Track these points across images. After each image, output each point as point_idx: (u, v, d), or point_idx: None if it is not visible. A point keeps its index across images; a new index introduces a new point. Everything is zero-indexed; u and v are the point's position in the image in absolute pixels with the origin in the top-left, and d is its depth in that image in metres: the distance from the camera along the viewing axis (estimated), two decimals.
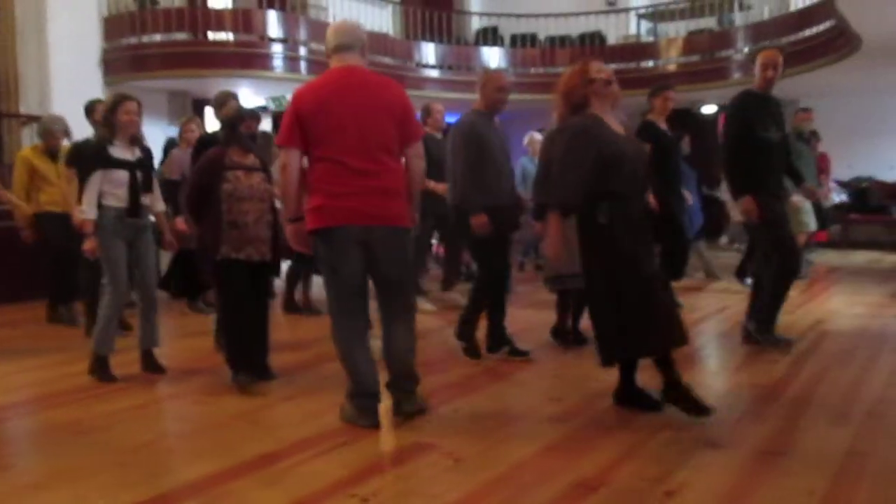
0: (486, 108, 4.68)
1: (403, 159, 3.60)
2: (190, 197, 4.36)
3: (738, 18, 12.70)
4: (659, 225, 3.83)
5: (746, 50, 11.88)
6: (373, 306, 3.65)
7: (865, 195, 12.45)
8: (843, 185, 12.04)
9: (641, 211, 3.65)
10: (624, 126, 3.73)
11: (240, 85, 10.35)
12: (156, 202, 4.72)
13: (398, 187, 3.49)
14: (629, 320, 3.46)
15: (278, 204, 4.44)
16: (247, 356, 4.24)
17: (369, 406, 3.53)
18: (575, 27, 13.32)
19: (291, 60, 10.64)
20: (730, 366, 4.71)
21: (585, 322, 4.90)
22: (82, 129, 6.24)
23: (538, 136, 8.65)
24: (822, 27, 10.33)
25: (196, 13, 10.08)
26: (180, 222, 4.72)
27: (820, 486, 2.79)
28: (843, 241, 12.07)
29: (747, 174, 4.73)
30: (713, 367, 4.74)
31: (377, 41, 10.94)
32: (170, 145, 8.04)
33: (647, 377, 3.92)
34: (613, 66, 3.78)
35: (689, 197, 7.83)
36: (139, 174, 4.54)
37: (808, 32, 10.69)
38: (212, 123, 8.64)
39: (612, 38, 13.41)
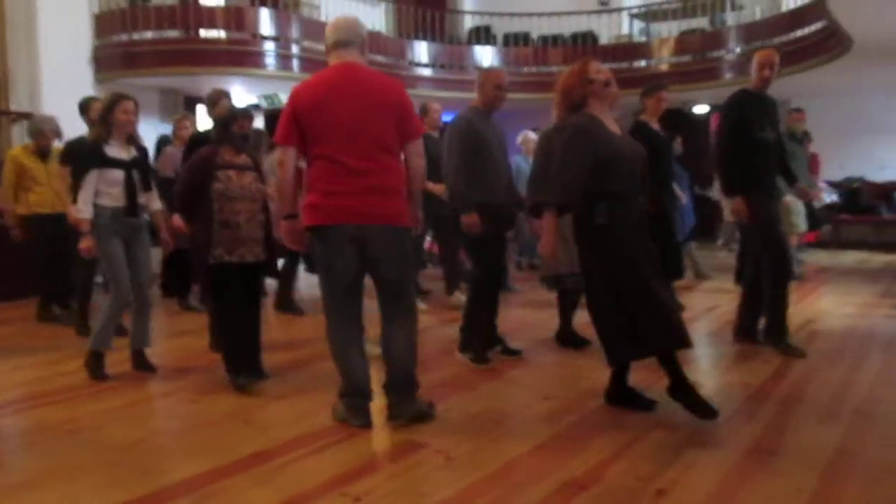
0: (484, 105, 4.64)
1: (404, 157, 3.57)
2: (181, 196, 4.34)
3: (730, 18, 12.74)
4: (652, 224, 3.82)
5: (738, 50, 11.93)
6: (373, 306, 3.62)
7: (856, 195, 12.51)
8: (834, 185, 12.10)
9: (640, 211, 3.64)
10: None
11: (232, 83, 10.32)
12: (152, 201, 4.71)
13: (396, 186, 3.45)
14: (630, 321, 3.47)
15: (271, 204, 4.44)
16: (243, 358, 4.23)
17: (361, 405, 3.54)
18: (567, 26, 13.33)
19: (284, 58, 10.61)
20: (720, 365, 4.73)
21: (582, 322, 4.92)
22: (73, 127, 6.21)
23: (532, 135, 8.65)
24: (813, 28, 10.36)
25: (188, 10, 10.04)
26: (177, 219, 4.70)
27: (809, 484, 2.81)
28: (833, 242, 12.13)
29: (742, 174, 4.73)
30: (704, 366, 4.76)
31: (370, 39, 10.90)
32: (163, 142, 8.02)
33: (641, 377, 3.95)
34: (605, 65, 3.78)
35: (683, 196, 7.86)
36: (135, 173, 4.53)
37: (799, 33, 10.73)
38: (204, 121, 8.63)
39: (605, 38, 13.43)
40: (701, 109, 13.38)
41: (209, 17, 10.20)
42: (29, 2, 9.16)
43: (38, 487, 2.90)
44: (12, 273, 7.17)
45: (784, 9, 11.41)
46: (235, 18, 10.27)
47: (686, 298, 7.07)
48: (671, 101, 5.98)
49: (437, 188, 5.57)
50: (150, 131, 9.22)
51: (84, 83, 9.58)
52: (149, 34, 10.15)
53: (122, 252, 4.47)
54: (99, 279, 6.61)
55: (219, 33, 10.40)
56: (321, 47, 11.58)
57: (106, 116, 4.46)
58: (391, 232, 3.43)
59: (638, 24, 14.16)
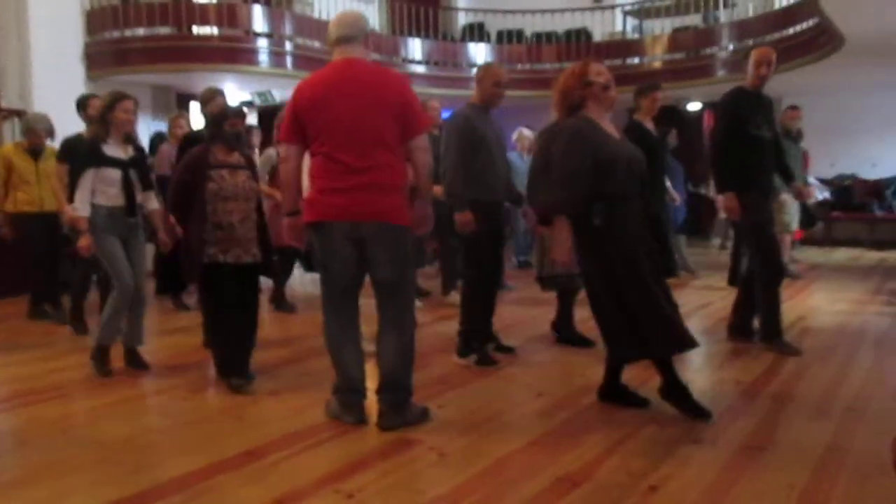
0: (482, 102, 4.60)
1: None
2: (174, 196, 4.31)
3: (723, 16, 12.76)
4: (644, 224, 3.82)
5: (731, 47, 11.95)
6: (372, 303, 3.57)
7: (848, 193, 12.55)
8: (826, 183, 12.14)
9: (639, 212, 3.63)
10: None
11: (225, 80, 10.29)
12: (150, 201, 4.70)
13: (394, 183, 3.39)
14: (631, 323, 3.46)
15: (264, 202, 4.43)
16: (235, 361, 4.21)
17: (354, 402, 3.53)
18: (561, 24, 13.33)
19: (277, 55, 10.59)
20: (713, 362, 4.75)
21: (583, 322, 4.93)
22: (66, 124, 6.19)
23: (527, 133, 8.66)
24: (805, 25, 10.39)
25: (180, 7, 9.99)
26: (170, 218, 4.69)
27: (800, 480, 2.83)
28: (825, 239, 12.17)
29: (737, 172, 4.71)
30: (696, 363, 4.77)
31: None
32: (157, 140, 7.99)
33: (634, 374, 3.96)
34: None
35: (677, 197, 7.87)
36: (133, 173, 4.52)
37: (791, 30, 10.76)
38: (198, 119, 8.60)
39: (598, 35, 13.43)
40: (694, 107, 13.41)
41: (202, 14, 10.16)
42: None
43: (29, 485, 2.89)
44: (3, 270, 7.13)
45: (777, 6, 11.44)
46: (228, 15, 10.23)
47: (679, 296, 7.06)
48: (664, 98, 5.98)
49: (436, 189, 5.46)
50: (142, 129, 9.18)
51: (76, 80, 9.54)
52: (141, 31, 10.11)
53: (121, 248, 4.47)
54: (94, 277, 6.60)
55: (211, 30, 10.36)
56: (315, 44, 11.64)
57: (105, 115, 4.45)
58: (388, 230, 3.39)
59: (631, 22, 14.17)
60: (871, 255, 10.99)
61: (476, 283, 4.65)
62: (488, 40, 13.76)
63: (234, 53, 10.26)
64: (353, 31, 3.49)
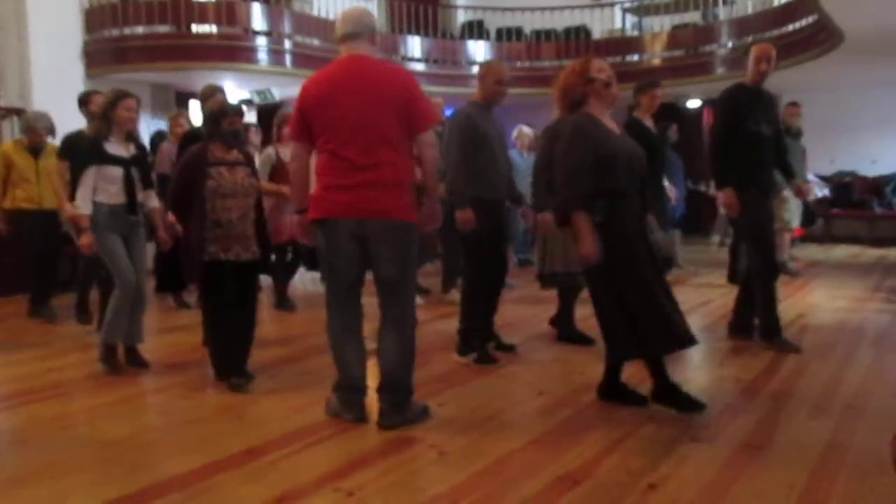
0: (484, 99, 4.58)
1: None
2: (173, 194, 4.32)
3: (723, 13, 12.75)
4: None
5: (731, 44, 11.94)
6: (374, 301, 3.57)
7: (847, 190, 12.55)
8: (826, 179, 12.14)
9: (640, 209, 3.62)
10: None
11: (224, 78, 10.28)
12: (150, 199, 4.70)
13: (398, 180, 3.37)
14: (631, 321, 3.45)
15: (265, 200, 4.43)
16: (234, 361, 4.21)
17: (354, 400, 3.53)
18: (560, 21, 13.33)
19: (276, 53, 10.58)
20: (713, 360, 4.75)
21: (584, 320, 4.93)
22: (65, 122, 6.19)
23: (527, 130, 8.64)
24: (804, 22, 10.39)
25: (179, 5, 9.98)
26: (172, 217, 4.69)
27: (800, 478, 2.83)
28: (825, 236, 12.17)
29: (735, 169, 4.71)
30: (696, 361, 4.77)
31: None
32: (157, 138, 7.99)
33: (634, 373, 3.96)
34: None
35: (675, 194, 7.86)
36: (134, 171, 4.52)
37: (791, 27, 10.75)
38: (197, 116, 8.59)
39: (598, 33, 13.43)
40: (693, 104, 13.40)
41: (201, 12, 10.15)
42: None
43: (29, 484, 2.89)
44: (2, 270, 7.13)
45: (776, 3, 11.43)
46: (227, 13, 10.22)
47: (678, 294, 7.06)
48: (664, 95, 5.98)
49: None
50: (141, 127, 9.15)
51: (75, 79, 9.53)
52: (140, 29, 10.10)
53: (122, 246, 4.48)
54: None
55: (210, 28, 10.35)
56: (314, 42, 11.63)
57: (108, 113, 4.45)
58: (392, 227, 3.37)
59: (631, 19, 14.17)
60: (871, 253, 10.99)
61: (476, 282, 4.64)
62: (487, 38, 13.75)
63: (234, 52, 10.26)
64: (358, 28, 3.48)
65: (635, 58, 12.92)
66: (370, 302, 3.58)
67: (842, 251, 11.24)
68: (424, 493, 2.74)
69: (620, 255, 3.45)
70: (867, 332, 5.40)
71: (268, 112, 11.46)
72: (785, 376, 4.25)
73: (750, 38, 10.87)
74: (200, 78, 9.22)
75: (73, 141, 5.36)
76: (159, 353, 4.87)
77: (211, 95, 5.48)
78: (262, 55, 10.44)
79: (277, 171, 6.21)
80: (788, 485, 2.77)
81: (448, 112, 6.81)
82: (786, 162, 5.03)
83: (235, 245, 4.17)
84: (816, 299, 6.89)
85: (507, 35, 13.61)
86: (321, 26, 11.24)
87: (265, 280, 6.35)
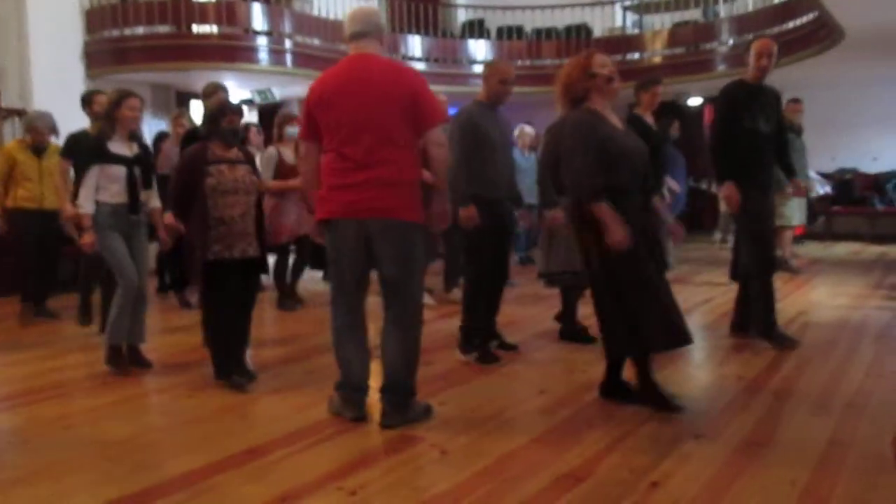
0: (488, 99, 4.58)
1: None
2: (174, 194, 4.32)
3: (723, 10, 12.73)
4: None
5: (731, 42, 11.93)
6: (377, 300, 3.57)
7: (848, 187, 12.54)
8: (827, 177, 12.13)
9: (642, 206, 3.61)
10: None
11: (224, 78, 10.23)
12: (151, 199, 4.71)
13: (401, 179, 3.35)
14: (631, 318, 3.45)
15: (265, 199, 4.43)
16: (235, 359, 4.22)
17: (355, 399, 3.53)
18: (561, 19, 13.32)
19: (276, 53, 10.57)
20: (714, 358, 4.75)
21: (587, 319, 4.91)
22: (66, 122, 6.20)
23: (528, 129, 8.64)
24: (805, 19, 10.38)
25: (179, 5, 9.97)
26: (169, 217, 4.70)
27: (802, 475, 2.83)
28: (826, 233, 12.16)
29: (734, 165, 4.72)
30: (697, 359, 4.78)
31: None
32: (159, 139, 7.99)
33: (633, 371, 3.96)
34: None
35: (676, 187, 7.85)
36: (137, 170, 4.53)
37: (791, 24, 10.74)
38: (199, 116, 8.59)
39: (598, 31, 13.41)
40: (694, 102, 13.39)
41: (201, 12, 10.15)
42: None
43: (30, 484, 2.89)
44: (4, 269, 7.13)
45: (776, 0, 11.42)
46: (227, 13, 10.21)
47: (680, 292, 7.07)
48: (664, 93, 5.98)
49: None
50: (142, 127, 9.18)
51: (75, 79, 9.53)
52: (140, 29, 10.10)
53: (124, 245, 4.48)
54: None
55: (211, 28, 10.35)
56: (314, 42, 11.62)
57: (111, 112, 4.47)
58: (394, 227, 3.36)
59: (631, 17, 14.16)
60: (872, 250, 10.98)
61: (477, 280, 4.64)
62: (488, 37, 13.74)
63: (234, 52, 10.26)
64: (366, 27, 3.47)
65: (636, 56, 12.92)
66: (376, 301, 3.58)
67: (843, 248, 11.23)
68: (426, 492, 2.75)
69: (621, 252, 3.43)
70: (868, 330, 5.40)
71: (269, 112, 11.46)
72: (786, 374, 4.25)
73: (750, 36, 10.83)
74: (201, 78, 9.21)
75: (76, 140, 5.36)
76: (161, 353, 4.87)
77: (213, 93, 5.49)
78: (263, 55, 10.44)
79: (279, 171, 6.21)
80: (790, 482, 2.77)
81: (451, 111, 6.81)
82: (787, 159, 5.01)
83: (239, 242, 4.19)
84: (817, 297, 6.89)
85: (507, 34, 13.60)
86: (321, 26, 11.23)
87: (267, 280, 6.35)
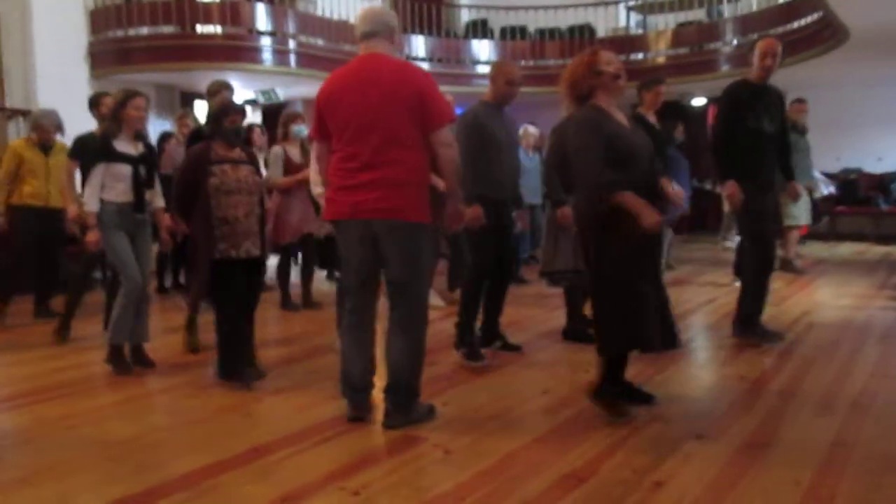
0: (494, 99, 4.56)
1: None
2: (177, 194, 4.34)
3: (727, 10, 12.71)
4: None
5: (735, 42, 11.91)
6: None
7: (853, 187, 12.51)
8: (831, 177, 12.10)
9: (647, 203, 3.59)
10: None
11: (228, 78, 10.17)
12: (155, 198, 4.72)
13: (406, 179, 3.33)
14: (626, 316, 3.43)
15: (267, 199, 4.44)
16: (245, 357, 4.25)
17: (354, 399, 3.54)
18: (564, 20, 13.32)
19: (280, 53, 10.58)
20: (717, 358, 4.74)
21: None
22: (70, 122, 6.21)
23: (532, 129, 8.62)
24: (809, 19, 10.36)
25: (183, 6, 9.99)
26: (167, 218, 4.72)
27: (805, 476, 2.82)
28: (830, 233, 12.14)
29: (736, 164, 4.71)
30: (701, 359, 4.77)
31: None
32: (163, 139, 8.01)
33: (639, 371, 3.96)
34: None
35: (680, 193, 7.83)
36: (142, 169, 4.54)
37: (795, 24, 10.72)
38: (205, 116, 8.60)
39: (602, 31, 13.40)
40: (698, 102, 13.37)
41: (205, 13, 10.16)
42: None
43: (34, 484, 2.90)
44: (9, 269, 7.14)
45: (780, 0, 11.40)
46: (231, 13, 10.23)
47: (683, 292, 7.08)
48: (668, 93, 5.98)
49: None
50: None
51: (79, 79, 9.56)
52: (144, 30, 10.12)
53: (127, 243, 4.49)
54: (98, 275, 6.61)
55: (215, 28, 10.36)
56: (318, 42, 11.62)
57: (117, 112, 4.48)
58: (399, 227, 3.35)
59: (635, 17, 14.15)
60: (877, 250, 10.95)
61: (477, 280, 4.62)
62: (492, 37, 13.74)
63: (238, 52, 10.27)
64: (376, 27, 3.46)
65: (640, 56, 12.90)
66: (385, 302, 3.58)
67: (847, 248, 11.21)
68: (429, 492, 2.75)
69: (620, 250, 3.41)
70: (873, 330, 5.39)
71: (272, 112, 11.47)
72: (790, 374, 4.24)
73: (755, 36, 10.81)
74: (205, 78, 9.21)
75: (84, 142, 5.38)
76: (164, 353, 4.87)
77: (218, 91, 5.49)
78: (267, 55, 10.45)
79: (286, 169, 6.20)
80: (794, 483, 2.76)
81: (457, 111, 6.79)
82: (787, 161, 4.99)
83: (244, 242, 4.21)
84: (822, 297, 6.87)
85: (511, 34, 13.60)
86: (325, 26, 11.25)
87: (271, 280, 6.36)
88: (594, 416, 3.54)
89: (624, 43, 13.06)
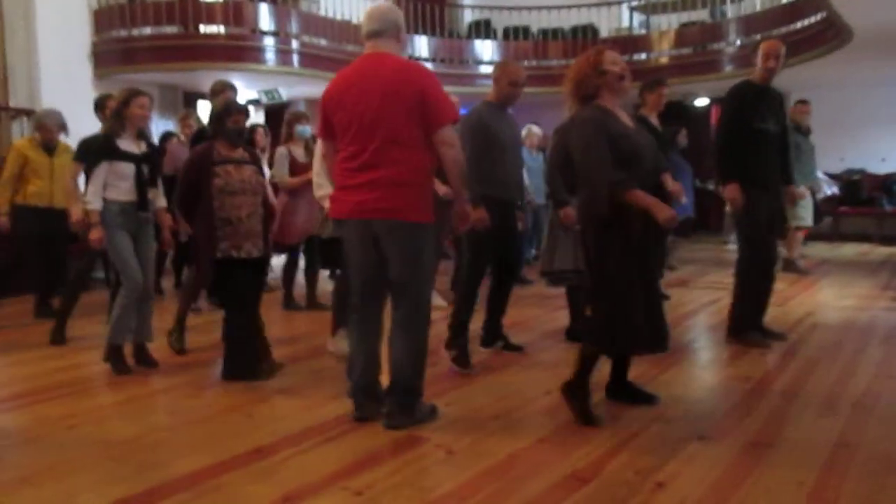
0: (498, 100, 4.55)
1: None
2: (180, 194, 4.35)
3: (730, 10, 12.69)
4: None
5: (738, 42, 11.90)
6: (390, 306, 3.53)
7: (856, 188, 12.49)
8: (835, 177, 12.09)
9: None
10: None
11: (231, 78, 10.15)
12: (157, 198, 4.72)
13: (406, 180, 3.31)
14: (624, 315, 3.40)
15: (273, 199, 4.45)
16: (256, 356, 4.27)
17: (357, 399, 3.54)
18: (567, 20, 13.31)
19: (283, 53, 10.59)
20: (720, 359, 4.73)
21: None
22: (74, 122, 6.21)
23: (536, 129, 8.62)
24: (813, 19, 10.34)
25: (186, 5, 9.99)
26: (169, 218, 4.73)
27: (809, 477, 2.81)
28: (833, 234, 12.12)
29: (739, 165, 4.70)
30: (703, 360, 4.76)
31: None
32: (164, 139, 8.01)
33: (642, 371, 3.95)
34: None
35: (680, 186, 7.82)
36: (145, 168, 4.55)
37: (799, 25, 10.71)
38: (207, 115, 8.60)
39: (605, 31, 13.39)
40: (701, 102, 13.36)
41: (208, 13, 10.17)
42: None
43: (35, 483, 2.90)
44: (10, 268, 7.16)
45: (784, 0, 11.38)
46: (234, 13, 10.23)
47: (686, 293, 7.08)
48: (671, 94, 5.96)
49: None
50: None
51: (83, 79, 9.57)
52: (147, 30, 10.13)
53: (130, 244, 4.49)
54: (101, 274, 6.62)
55: (218, 28, 10.37)
56: (321, 42, 11.62)
57: (121, 111, 4.49)
58: (399, 227, 3.34)
59: (638, 17, 14.14)
60: (880, 251, 10.94)
61: (474, 281, 4.60)
62: (494, 37, 13.74)
63: (241, 52, 10.27)
64: (382, 26, 3.45)
65: (643, 56, 12.89)
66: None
67: (850, 249, 11.19)
68: (432, 493, 2.74)
69: (622, 249, 3.39)
70: (876, 331, 5.37)
71: (275, 112, 11.48)
72: (793, 375, 4.23)
73: (758, 36, 10.82)
74: (208, 78, 9.22)
75: (89, 144, 5.38)
76: (167, 353, 4.87)
77: (221, 91, 5.49)
78: (270, 55, 10.45)
79: (291, 169, 6.20)
80: (797, 483, 2.76)
81: (462, 111, 6.78)
82: (787, 164, 4.98)
83: (246, 242, 4.22)
84: (825, 298, 6.86)
85: (514, 34, 13.59)
86: (328, 26, 11.25)
87: (274, 279, 6.36)
88: (596, 416, 3.53)
89: (627, 43, 13.04)
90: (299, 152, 6.25)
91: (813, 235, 10.25)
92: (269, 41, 10.49)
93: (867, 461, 2.97)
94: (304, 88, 11.28)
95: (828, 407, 3.66)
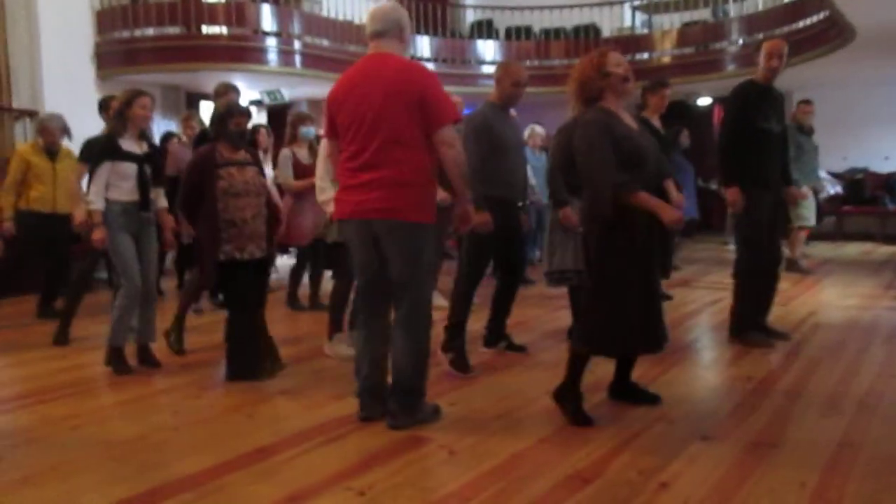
0: (500, 100, 4.55)
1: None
2: (183, 195, 4.35)
3: (733, 10, 12.68)
4: None
5: (741, 41, 11.88)
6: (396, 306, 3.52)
7: (859, 187, 12.47)
8: (837, 177, 12.07)
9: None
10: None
11: (234, 79, 10.21)
12: (159, 198, 4.73)
13: (406, 180, 3.31)
14: (622, 317, 3.40)
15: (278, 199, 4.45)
16: (261, 356, 4.28)
17: (362, 398, 3.54)
18: (569, 20, 13.30)
19: (285, 54, 10.60)
20: (723, 358, 4.73)
21: None
22: (76, 123, 6.22)
23: (539, 129, 8.62)
24: (815, 18, 10.33)
25: (189, 6, 10.00)
26: (170, 220, 4.73)
27: (812, 477, 2.81)
28: (836, 233, 12.10)
29: (743, 165, 4.70)
30: (706, 360, 4.75)
31: None
32: (165, 139, 8.02)
33: (644, 371, 3.95)
34: None
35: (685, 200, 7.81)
36: (147, 168, 4.55)
37: (801, 24, 10.70)
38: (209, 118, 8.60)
39: (607, 31, 13.38)
40: (704, 102, 13.34)
41: (210, 13, 10.18)
42: None
43: (38, 484, 2.90)
44: (13, 269, 7.16)
45: None
46: (237, 14, 10.24)
47: (689, 293, 7.07)
48: (673, 93, 5.95)
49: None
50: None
51: (85, 80, 9.58)
52: (150, 31, 10.14)
53: (131, 245, 4.49)
54: (104, 275, 6.62)
55: (220, 29, 10.38)
56: (323, 43, 11.62)
57: (123, 111, 4.49)
58: (399, 228, 3.34)
59: (640, 17, 14.13)
60: (883, 250, 10.92)
61: (473, 281, 4.58)
62: (496, 37, 13.73)
63: (243, 52, 10.28)
64: (385, 26, 3.44)
65: (645, 56, 12.88)
66: None
67: (853, 248, 11.17)
68: (435, 493, 2.74)
69: (623, 251, 3.39)
70: (879, 330, 5.36)
71: (278, 112, 11.48)
72: (796, 374, 4.22)
73: (760, 35, 10.81)
74: (210, 79, 9.24)
75: (93, 145, 5.39)
76: (170, 353, 4.87)
77: (224, 93, 5.49)
78: (272, 56, 10.46)
79: (295, 171, 6.18)
80: (800, 483, 2.75)
81: (466, 111, 6.77)
82: (786, 165, 4.97)
83: (250, 244, 4.23)
84: (828, 297, 6.85)
85: (516, 34, 13.59)
86: (330, 27, 11.25)
87: (276, 279, 6.36)
88: (600, 416, 3.53)
89: (629, 43, 13.03)
90: (303, 154, 6.24)
91: (816, 235, 10.24)
92: (271, 42, 10.49)
93: (871, 461, 2.97)
94: (306, 89, 11.28)
95: (831, 407, 3.65)
